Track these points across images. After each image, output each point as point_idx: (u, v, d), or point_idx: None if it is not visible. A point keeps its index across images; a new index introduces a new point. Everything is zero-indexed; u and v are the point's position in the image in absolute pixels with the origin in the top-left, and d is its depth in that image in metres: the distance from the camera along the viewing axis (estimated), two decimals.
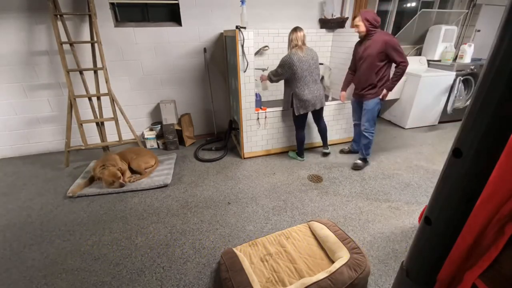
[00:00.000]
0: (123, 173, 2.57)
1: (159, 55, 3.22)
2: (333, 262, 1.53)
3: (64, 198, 2.46)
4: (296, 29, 2.53)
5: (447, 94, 3.87)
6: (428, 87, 3.71)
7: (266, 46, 3.26)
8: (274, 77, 2.66)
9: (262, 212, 2.24)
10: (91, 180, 2.61)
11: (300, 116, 2.75)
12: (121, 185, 2.49)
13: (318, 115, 2.92)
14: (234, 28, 2.49)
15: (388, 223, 2.10)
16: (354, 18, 3.26)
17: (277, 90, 3.66)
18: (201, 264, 1.76)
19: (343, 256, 1.48)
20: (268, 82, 2.82)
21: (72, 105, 2.84)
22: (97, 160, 2.61)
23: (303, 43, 2.56)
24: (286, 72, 2.56)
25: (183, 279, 1.66)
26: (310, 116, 2.96)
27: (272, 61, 3.44)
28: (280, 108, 3.01)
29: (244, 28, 2.48)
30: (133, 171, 2.75)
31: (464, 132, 0.46)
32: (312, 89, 2.62)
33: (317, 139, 3.33)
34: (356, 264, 1.42)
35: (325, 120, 3.01)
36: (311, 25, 3.59)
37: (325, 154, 3.16)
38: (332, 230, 1.68)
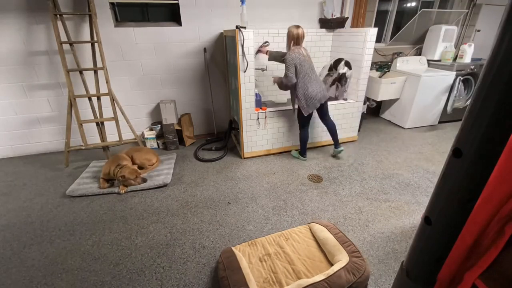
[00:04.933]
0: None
1: (159, 55, 3.22)
2: (332, 265, 1.52)
3: (64, 198, 2.46)
4: (297, 27, 2.51)
5: (447, 94, 3.87)
6: (428, 87, 3.71)
7: (267, 42, 3.22)
8: (287, 83, 2.58)
9: (262, 212, 2.24)
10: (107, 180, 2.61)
11: (306, 116, 2.74)
12: (144, 180, 2.57)
13: (323, 111, 2.87)
14: (234, 28, 2.49)
15: (388, 223, 2.10)
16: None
17: (277, 89, 3.65)
18: (201, 264, 1.76)
19: (342, 259, 1.48)
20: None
21: (72, 105, 2.84)
22: (106, 163, 2.60)
23: (301, 42, 2.56)
24: (294, 73, 2.53)
25: (183, 278, 1.66)
26: (315, 115, 2.96)
27: (272, 61, 3.44)
28: (280, 108, 3.02)
29: (244, 28, 2.48)
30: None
31: (464, 132, 0.46)
32: (315, 85, 2.62)
33: (316, 139, 3.33)
34: (355, 268, 1.42)
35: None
36: (311, 25, 3.59)
37: (337, 153, 3.07)
38: (332, 233, 1.68)
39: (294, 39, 2.53)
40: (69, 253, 1.86)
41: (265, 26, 3.39)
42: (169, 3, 3.11)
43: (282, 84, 2.63)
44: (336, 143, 3.04)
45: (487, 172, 0.47)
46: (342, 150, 3.05)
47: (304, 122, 2.84)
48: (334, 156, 3.14)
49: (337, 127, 3.15)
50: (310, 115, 2.78)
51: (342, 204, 2.32)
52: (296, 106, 2.78)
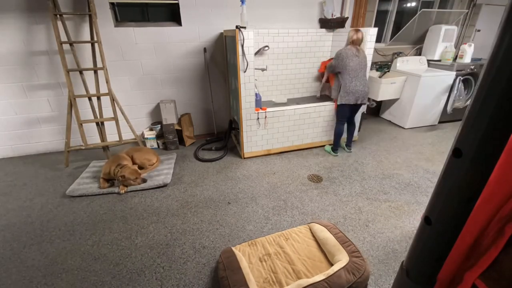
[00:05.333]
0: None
1: (159, 55, 3.22)
2: (332, 265, 1.52)
3: (64, 198, 2.46)
4: (357, 31, 2.73)
5: (447, 94, 3.87)
6: (428, 87, 3.71)
7: (266, 46, 3.27)
8: (329, 68, 2.91)
9: (262, 212, 2.24)
10: (107, 180, 2.61)
11: (342, 107, 2.89)
12: (144, 181, 2.57)
13: (355, 112, 3.04)
14: (234, 28, 2.49)
15: (388, 223, 2.10)
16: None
17: (277, 90, 3.66)
18: (201, 264, 1.76)
19: (342, 259, 1.48)
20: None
21: (72, 105, 2.84)
22: (106, 163, 2.60)
23: (359, 44, 2.77)
24: (339, 64, 2.76)
25: (183, 278, 1.66)
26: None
27: (272, 61, 3.45)
28: (280, 108, 3.02)
29: (244, 28, 2.48)
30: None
31: (464, 132, 0.46)
32: (358, 83, 2.76)
33: (316, 139, 3.34)
34: (354, 268, 1.42)
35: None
36: (311, 25, 3.59)
37: (346, 151, 3.29)
38: (332, 233, 1.68)
39: (350, 40, 2.77)
40: (69, 253, 1.86)
41: (265, 26, 3.39)
42: (169, 3, 3.11)
43: (329, 68, 2.96)
44: (350, 142, 3.24)
45: (487, 172, 0.47)
46: (350, 152, 3.25)
47: (340, 114, 2.98)
48: (342, 147, 3.34)
49: (355, 125, 3.20)
50: (346, 109, 2.91)
51: (342, 204, 2.32)
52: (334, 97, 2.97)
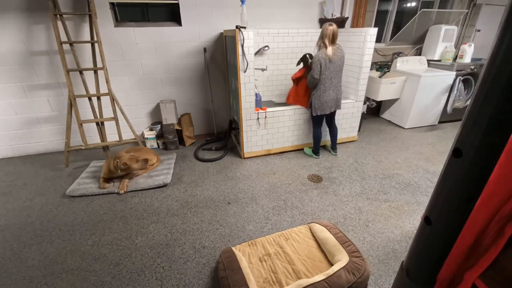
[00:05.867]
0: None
1: (159, 55, 3.22)
2: (332, 265, 1.52)
3: (64, 198, 2.46)
4: (330, 24, 2.49)
5: (447, 94, 3.87)
6: (428, 87, 3.71)
7: (266, 46, 3.27)
8: (313, 80, 2.64)
9: (262, 212, 2.24)
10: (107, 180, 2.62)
11: (317, 116, 2.83)
12: (144, 163, 2.61)
13: (332, 117, 3.00)
14: (234, 28, 2.49)
15: (388, 223, 2.10)
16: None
17: (277, 89, 3.66)
18: (201, 264, 1.76)
19: (342, 259, 1.48)
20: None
21: (72, 105, 2.84)
22: (105, 162, 2.62)
23: (333, 42, 2.54)
24: (318, 70, 2.58)
25: (183, 278, 1.66)
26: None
27: (272, 61, 3.45)
28: (280, 108, 3.02)
29: (244, 28, 2.48)
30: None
31: (464, 132, 0.46)
32: (332, 92, 2.70)
33: None
34: (354, 268, 1.42)
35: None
36: (311, 25, 3.59)
37: (332, 154, 3.23)
38: (332, 233, 1.68)
39: (322, 39, 2.55)
40: (69, 253, 1.86)
41: (265, 26, 3.39)
42: (169, 3, 3.11)
43: (310, 82, 2.72)
44: (334, 145, 3.17)
45: (487, 172, 0.47)
46: (336, 155, 3.19)
47: (315, 121, 2.92)
48: (328, 150, 3.28)
49: (337, 127, 3.16)
50: (322, 117, 2.87)
51: (342, 204, 2.32)
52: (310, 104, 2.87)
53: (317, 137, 3.01)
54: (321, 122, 2.97)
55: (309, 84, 2.75)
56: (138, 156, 2.59)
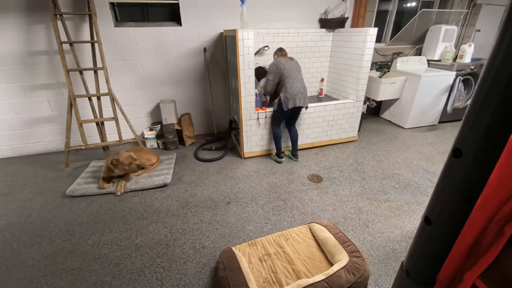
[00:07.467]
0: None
1: (159, 55, 3.22)
2: (332, 265, 1.52)
3: (64, 198, 2.46)
4: (280, 49, 2.81)
5: (447, 94, 3.87)
6: (428, 87, 3.71)
7: (266, 46, 3.27)
8: (268, 85, 2.73)
9: (262, 212, 2.24)
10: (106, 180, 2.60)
11: (281, 111, 2.73)
12: (140, 167, 2.59)
13: (294, 116, 2.90)
14: (234, 28, 2.49)
15: (388, 223, 2.10)
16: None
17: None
18: (201, 264, 1.76)
19: (342, 259, 1.48)
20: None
21: (72, 105, 2.84)
22: (104, 162, 2.59)
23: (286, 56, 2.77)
24: (276, 75, 2.64)
25: (183, 278, 1.66)
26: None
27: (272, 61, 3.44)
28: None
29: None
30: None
31: (464, 132, 0.46)
32: (299, 85, 2.68)
33: (316, 139, 3.33)
34: (354, 267, 1.42)
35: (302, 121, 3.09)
36: (311, 25, 3.59)
37: (291, 158, 3.12)
38: (332, 233, 1.68)
39: (277, 54, 2.80)
40: (69, 253, 1.86)
41: (265, 26, 3.39)
42: (169, 3, 3.11)
43: (267, 88, 2.75)
44: (295, 151, 3.07)
45: (487, 172, 0.47)
46: (297, 160, 3.09)
47: (279, 116, 2.83)
48: (288, 156, 3.14)
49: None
50: (286, 114, 2.76)
51: (342, 204, 2.32)
52: (276, 102, 2.85)
53: (279, 135, 2.93)
54: (282, 120, 2.88)
55: (264, 90, 2.82)
56: (135, 158, 2.55)
